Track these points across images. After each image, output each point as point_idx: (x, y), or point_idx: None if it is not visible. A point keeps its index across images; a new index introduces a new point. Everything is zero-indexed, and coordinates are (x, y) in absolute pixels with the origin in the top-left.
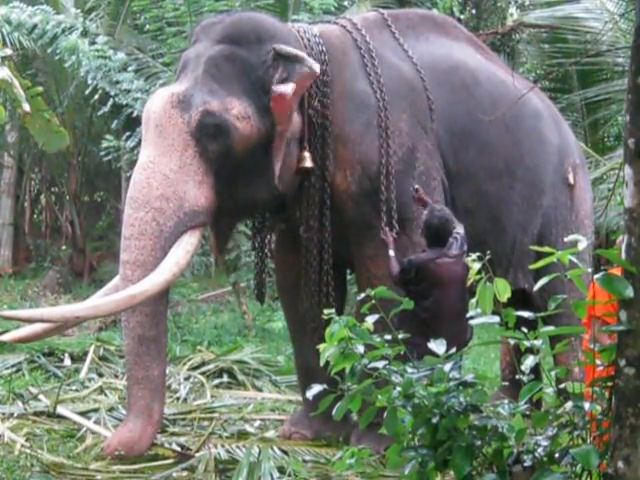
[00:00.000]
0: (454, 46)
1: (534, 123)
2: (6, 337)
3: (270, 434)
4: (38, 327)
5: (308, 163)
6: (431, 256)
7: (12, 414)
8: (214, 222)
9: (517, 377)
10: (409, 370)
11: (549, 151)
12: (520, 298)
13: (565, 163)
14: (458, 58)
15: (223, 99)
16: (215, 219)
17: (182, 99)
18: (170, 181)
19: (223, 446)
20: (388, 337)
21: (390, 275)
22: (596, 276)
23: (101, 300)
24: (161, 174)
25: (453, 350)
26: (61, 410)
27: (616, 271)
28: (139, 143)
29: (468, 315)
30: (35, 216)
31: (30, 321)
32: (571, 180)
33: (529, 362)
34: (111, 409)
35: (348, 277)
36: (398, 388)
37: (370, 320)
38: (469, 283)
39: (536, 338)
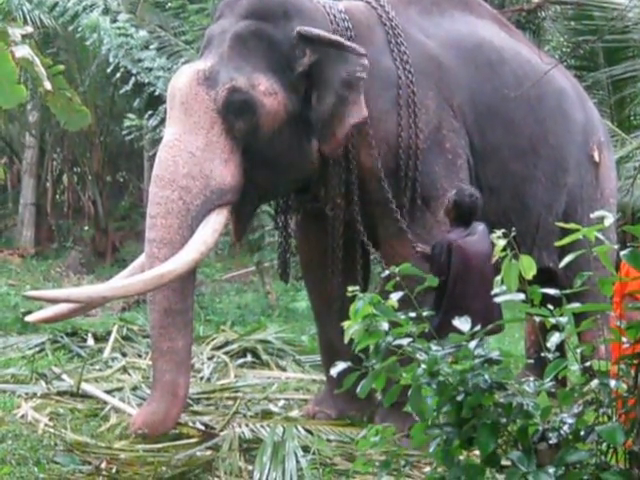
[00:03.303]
0: (479, 24)
1: (559, 101)
2: (31, 318)
3: (294, 413)
4: (63, 307)
5: None
6: (459, 235)
7: (35, 394)
8: (236, 205)
9: (542, 355)
10: (434, 347)
11: (574, 129)
12: (546, 277)
13: (590, 141)
14: (483, 36)
15: (249, 75)
16: (238, 201)
17: (208, 76)
18: (196, 159)
19: (247, 425)
20: (413, 314)
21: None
22: (622, 252)
23: (129, 280)
24: (187, 152)
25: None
26: (85, 387)
27: None
28: (161, 122)
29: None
30: (57, 196)
31: (56, 301)
32: (596, 158)
33: (554, 339)
34: (135, 388)
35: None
36: (423, 366)
37: (394, 297)
38: (494, 260)
39: (561, 315)
